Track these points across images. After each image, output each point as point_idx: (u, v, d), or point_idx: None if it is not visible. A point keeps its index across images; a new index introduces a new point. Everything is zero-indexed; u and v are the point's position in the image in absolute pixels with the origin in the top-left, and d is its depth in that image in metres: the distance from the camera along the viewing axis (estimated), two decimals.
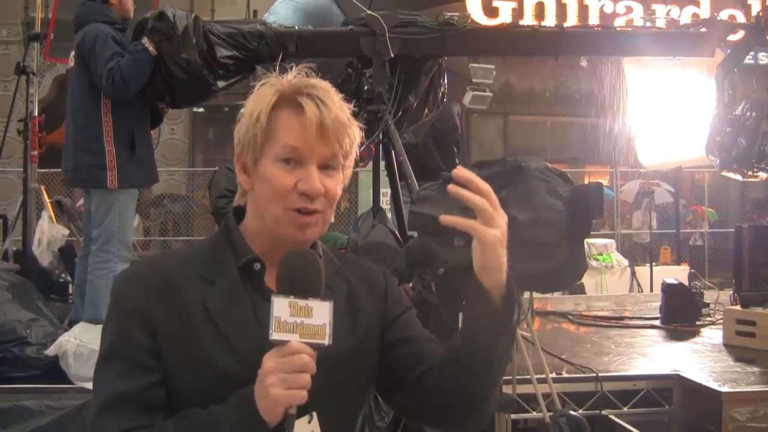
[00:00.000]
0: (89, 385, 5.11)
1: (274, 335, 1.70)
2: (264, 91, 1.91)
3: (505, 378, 4.73)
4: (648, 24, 8.25)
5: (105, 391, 1.83)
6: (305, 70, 1.95)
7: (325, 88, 1.91)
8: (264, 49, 6.31)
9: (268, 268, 1.93)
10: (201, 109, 17.51)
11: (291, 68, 1.95)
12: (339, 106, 1.90)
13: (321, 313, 1.73)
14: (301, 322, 1.71)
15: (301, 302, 1.72)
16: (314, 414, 1.80)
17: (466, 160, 10.41)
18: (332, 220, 2.05)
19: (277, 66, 2.00)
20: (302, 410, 1.75)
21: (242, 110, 1.94)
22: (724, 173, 7.95)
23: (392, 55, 6.29)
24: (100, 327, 5.59)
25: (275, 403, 1.68)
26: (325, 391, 1.79)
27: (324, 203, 1.91)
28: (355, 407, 2.05)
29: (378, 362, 2.05)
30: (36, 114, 8.53)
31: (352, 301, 2.01)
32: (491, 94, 9.38)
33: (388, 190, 6.96)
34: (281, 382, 1.68)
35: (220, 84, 6.27)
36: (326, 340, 1.72)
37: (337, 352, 1.78)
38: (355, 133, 1.95)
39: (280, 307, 1.71)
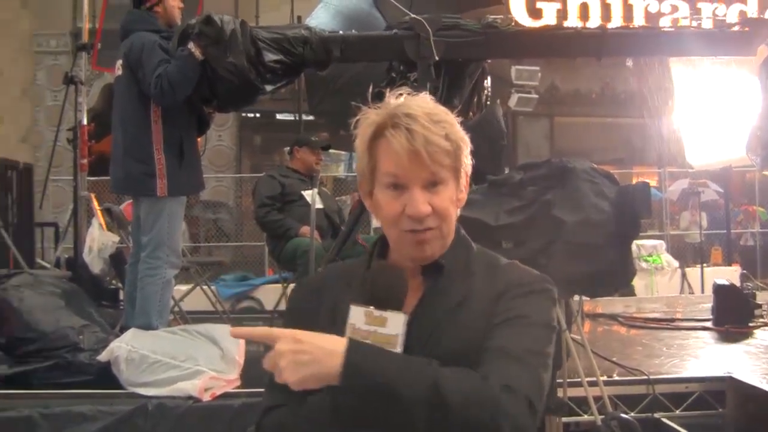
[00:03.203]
0: (141, 390, 5.18)
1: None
2: (363, 123, 2.04)
3: (556, 381, 4.72)
4: (694, 23, 8.15)
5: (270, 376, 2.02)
6: (403, 92, 2.05)
7: (413, 112, 1.97)
8: (309, 54, 6.32)
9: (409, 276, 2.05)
10: (252, 114, 17.62)
11: (386, 92, 2.05)
12: (432, 128, 1.95)
13: (395, 323, 1.88)
14: (375, 331, 1.88)
15: (377, 312, 1.88)
16: None
17: (512, 162, 10.38)
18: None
19: (369, 95, 2.17)
20: None
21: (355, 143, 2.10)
22: (766, 172, 7.85)
23: (437, 58, 6.28)
24: (151, 333, 5.67)
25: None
26: None
27: (435, 220, 2.01)
28: None
29: None
30: (85, 123, 8.63)
31: (465, 304, 2.04)
32: (537, 96, 9.32)
33: None
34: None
35: (268, 88, 6.30)
36: (398, 349, 1.87)
37: (437, 355, 1.86)
38: (458, 143, 2.02)
39: (356, 315, 1.90)
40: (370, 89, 2.15)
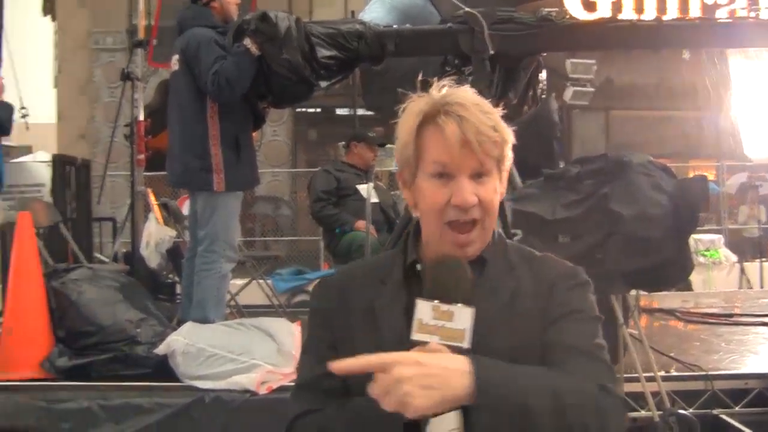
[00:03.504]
0: (197, 383, 5.24)
1: (416, 336, 1.80)
2: (409, 111, 1.99)
3: None
4: (752, 13, 8.02)
5: (297, 380, 2.12)
6: (448, 83, 2.00)
7: (466, 101, 1.94)
8: (364, 49, 6.32)
9: None
10: (307, 109, 17.67)
11: (432, 83, 2.00)
12: (481, 118, 1.92)
13: (462, 317, 1.80)
14: (442, 325, 1.80)
15: (444, 306, 1.80)
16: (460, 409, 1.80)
17: (568, 156, 10.30)
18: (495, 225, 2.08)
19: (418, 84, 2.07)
20: None
21: (397, 130, 2.03)
22: None
23: (492, 52, 6.25)
24: (207, 326, 5.71)
25: (407, 402, 1.73)
26: None
27: (480, 211, 1.95)
28: None
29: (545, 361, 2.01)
30: (141, 118, 8.71)
31: (515, 300, 2.00)
32: (592, 90, 9.25)
33: None
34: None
35: (323, 84, 6.31)
36: (465, 344, 1.79)
37: (494, 349, 1.84)
38: (504, 135, 1.97)
39: (423, 309, 1.81)
40: (419, 77, 2.12)
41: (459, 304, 1.80)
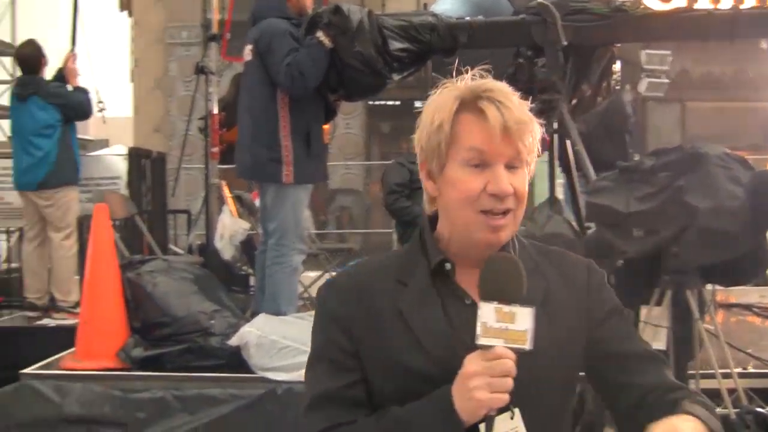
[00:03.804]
0: (271, 375, 5.28)
1: (482, 340, 1.76)
2: (444, 97, 1.92)
3: (688, 372, 4.62)
4: None
5: (312, 391, 1.96)
6: (480, 72, 1.95)
7: (503, 89, 1.91)
8: (436, 41, 6.31)
9: (459, 268, 1.95)
10: (380, 102, 17.67)
11: (467, 71, 1.95)
12: (518, 106, 1.89)
13: (523, 319, 1.77)
14: (506, 328, 1.77)
15: (506, 308, 1.77)
16: (516, 410, 1.81)
17: (643, 149, 10.18)
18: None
19: (453, 71, 1.99)
20: (503, 407, 1.78)
21: (420, 118, 1.96)
22: None
23: (565, 43, 6.19)
24: (280, 318, 5.75)
25: (478, 406, 1.75)
26: (526, 389, 1.80)
27: (514, 202, 1.90)
28: (559, 405, 2.01)
29: (588, 361, 2.02)
30: (215, 112, 8.80)
31: (549, 299, 1.97)
32: (668, 81, 9.14)
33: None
34: (486, 385, 1.74)
35: (395, 76, 6.31)
36: (527, 345, 1.77)
37: (538, 349, 1.80)
38: (536, 129, 1.93)
39: (487, 313, 1.77)
40: (455, 63, 2.05)
41: (518, 305, 1.78)
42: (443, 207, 1.96)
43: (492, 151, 1.87)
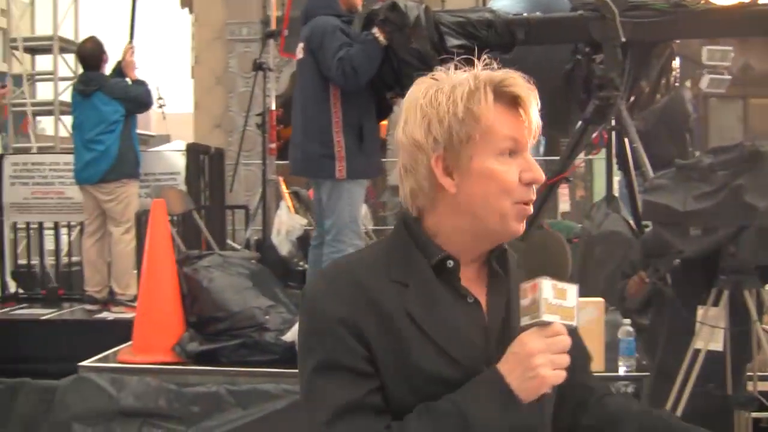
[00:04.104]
0: None
1: (545, 316, 1.73)
2: (463, 88, 1.81)
3: (745, 374, 4.55)
4: None
5: (331, 402, 1.77)
6: (486, 61, 1.88)
7: (520, 77, 1.84)
8: (493, 38, 6.28)
9: (462, 265, 1.88)
10: None
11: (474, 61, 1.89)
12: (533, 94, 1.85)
13: (572, 295, 1.77)
14: (560, 305, 1.75)
15: (560, 285, 1.76)
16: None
17: (704, 146, 10.04)
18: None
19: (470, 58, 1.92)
20: None
21: (414, 114, 1.84)
22: None
23: (623, 39, 6.12)
24: None
25: (541, 384, 1.72)
26: None
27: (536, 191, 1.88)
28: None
29: None
30: (273, 108, 8.84)
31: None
32: (730, 77, 9.01)
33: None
34: (550, 362, 1.72)
35: None
36: (575, 322, 1.77)
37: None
38: None
39: (546, 289, 1.74)
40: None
41: (568, 282, 1.77)
42: (459, 201, 1.85)
43: (523, 139, 1.83)
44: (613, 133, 6.37)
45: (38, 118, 13.56)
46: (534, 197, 1.85)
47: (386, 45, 5.94)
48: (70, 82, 11.28)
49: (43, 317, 7.81)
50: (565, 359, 1.74)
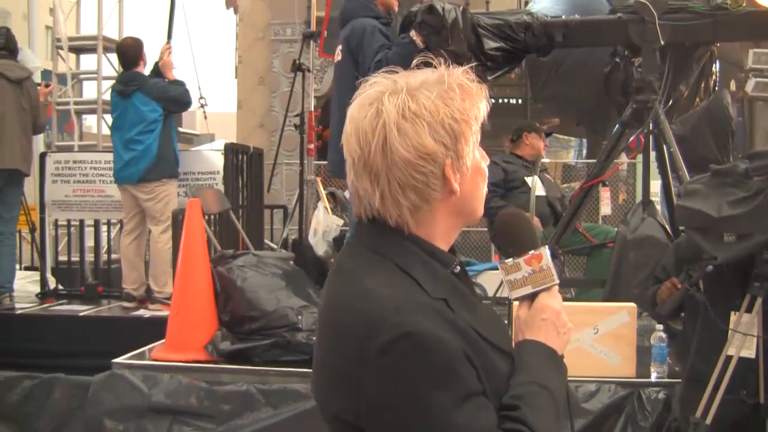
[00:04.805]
0: None
1: (513, 294, 1.88)
2: (442, 87, 1.80)
3: None
4: None
5: (486, 427, 1.69)
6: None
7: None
8: (531, 40, 6.26)
9: None
10: None
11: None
12: None
13: (548, 257, 1.88)
14: (530, 273, 1.87)
15: (524, 256, 1.88)
16: None
17: (748, 150, 9.91)
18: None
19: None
20: None
21: (418, 123, 1.76)
22: None
23: (662, 42, 6.07)
24: None
25: (570, 335, 1.91)
26: None
27: None
28: None
29: None
30: (312, 109, 8.85)
31: None
32: None
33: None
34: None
35: (489, 76, 6.27)
36: (555, 279, 1.88)
37: None
38: None
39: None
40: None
41: (532, 250, 1.88)
42: (460, 200, 1.83)
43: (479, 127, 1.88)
44: (651, 137, 6.31)
45: (84, 116, 13.66)
46: None
47: (423, 48, 5.93)
48: (113, 81, 11.38)
49: (81, 314, 7.87)
50: None
